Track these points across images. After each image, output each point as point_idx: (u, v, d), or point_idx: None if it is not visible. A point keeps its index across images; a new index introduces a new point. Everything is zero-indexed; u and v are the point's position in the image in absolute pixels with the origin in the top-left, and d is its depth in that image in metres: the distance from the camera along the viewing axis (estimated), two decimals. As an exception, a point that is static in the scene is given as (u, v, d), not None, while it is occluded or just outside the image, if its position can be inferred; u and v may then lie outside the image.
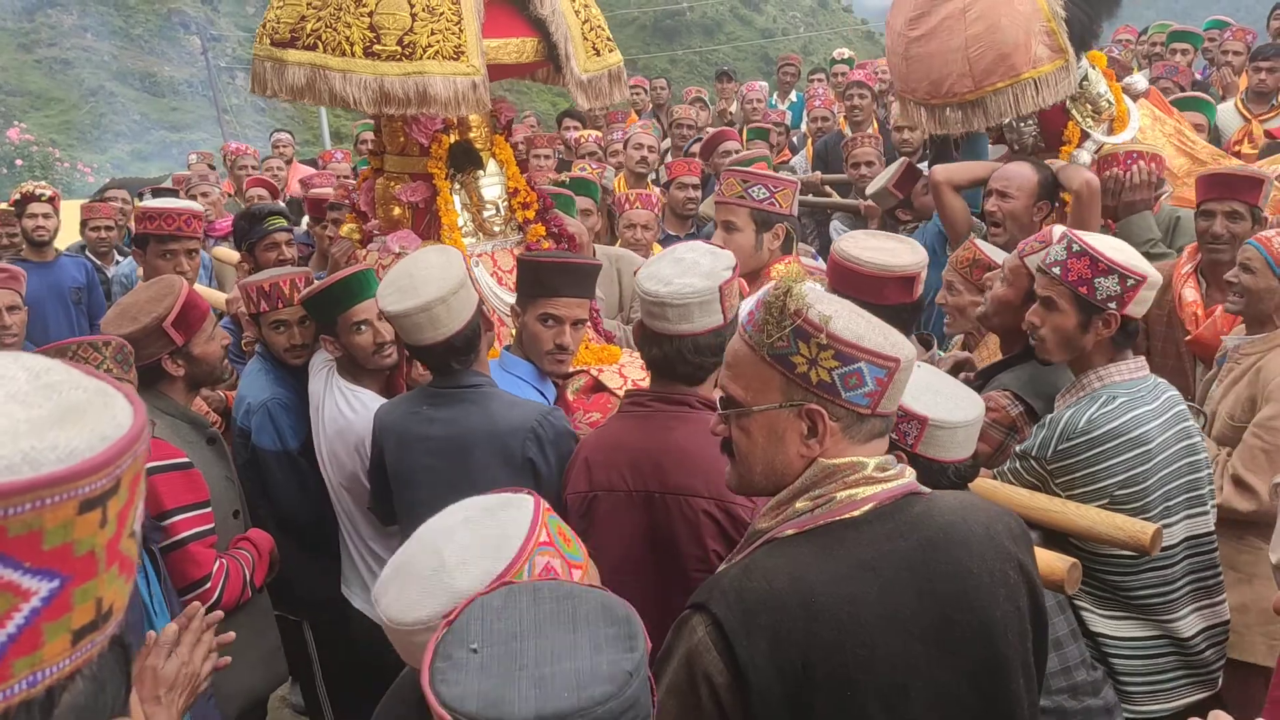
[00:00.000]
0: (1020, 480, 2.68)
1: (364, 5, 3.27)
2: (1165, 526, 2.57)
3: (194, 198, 6.19)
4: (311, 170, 7.98)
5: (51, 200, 6.26)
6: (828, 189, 6.73)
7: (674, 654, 1.55)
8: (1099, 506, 2.56)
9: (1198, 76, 7.99)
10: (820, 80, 10.52)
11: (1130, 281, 2.53)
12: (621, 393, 3.04)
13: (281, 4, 3.41)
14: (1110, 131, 4.20)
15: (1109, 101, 4.16)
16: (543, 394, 3.08)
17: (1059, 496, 2.63)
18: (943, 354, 3.45)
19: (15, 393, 0.73)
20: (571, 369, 3.21)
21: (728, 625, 1.49)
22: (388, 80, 3.25)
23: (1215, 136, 6.00)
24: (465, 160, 3.62)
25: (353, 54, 3.27)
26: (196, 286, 4.04)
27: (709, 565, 2.18)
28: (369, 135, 5.80)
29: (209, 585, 2.81)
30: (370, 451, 3.04)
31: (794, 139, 8.85)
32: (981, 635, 1.56)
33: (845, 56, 10.66)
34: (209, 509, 2.88)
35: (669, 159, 7.23)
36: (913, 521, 1.58)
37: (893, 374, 1.55)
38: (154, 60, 33.91)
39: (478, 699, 1.12)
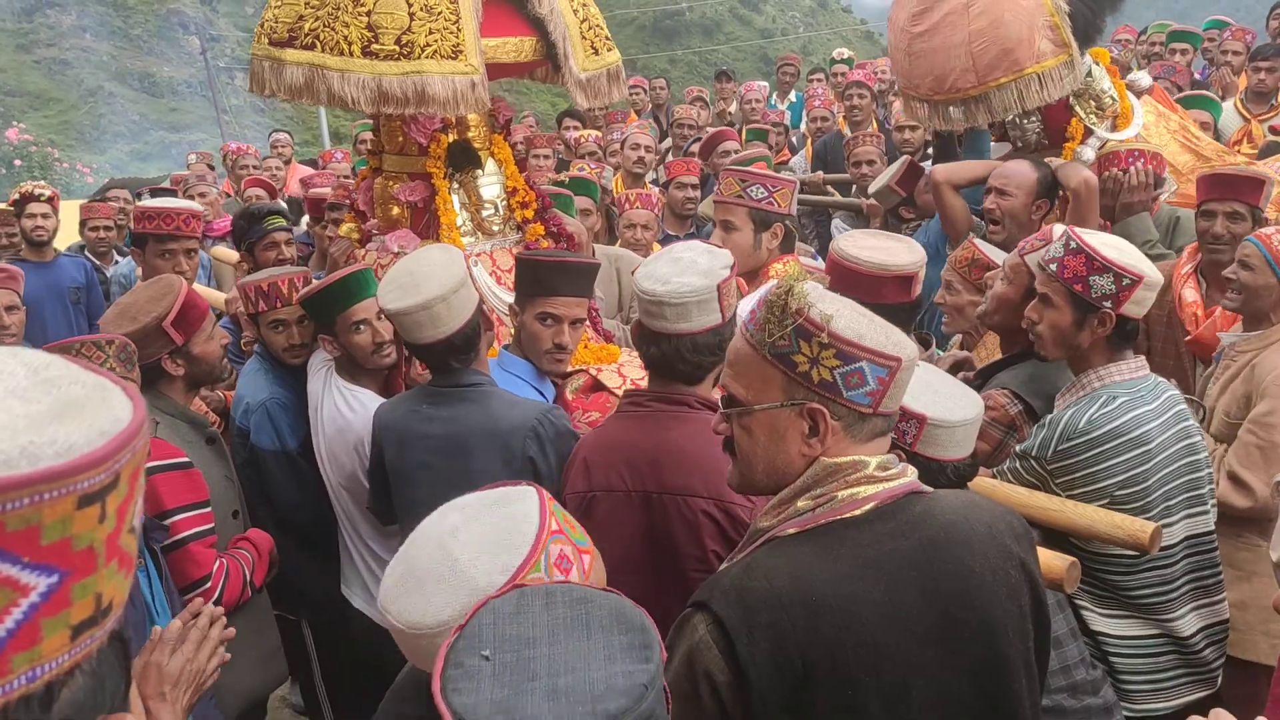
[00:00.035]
0: (1020, 480, 2.68)
1: (362, 5, 3.26)
2: (1165, 526, 2.57)
3: (191, 198, 6.18)
4: (310, 170, 7.98)
5: (50, 200, 6.25)
6: (830, 188, 6.73)
7: (675, 652, 1.55)
8: (1099, 506, 2.56)
9: (1197, 76, 7.99)
10: (820, 80, 10.52)
11: (1126, 281, 2.52)
12: (620, 392, 3.03)
13: (280, 3, 3.40)
14: (1114, 128, 4.19)
15: (1113, 98, 4.16)
16: (541, 393, 3.07)
17: (1059, 496, 2.63)
18: (941, 353, 3.45)
19: (14, 388, 0.73)
20: (570, 368, 3.21)
21: (729, 624, 1.49)
22: (386, 79, 3.25)
23: (1217, 136, 6.00)
24: (464, 159, 3.62)
25: (351, 53, 3.27)
26: (195, 286, 4.04)
27: (708, 566, 2.17)
28: (368, 135, 5.80)
29: (209, 585, 2.80)
30: (370, 451, 3.04)
31: (793, 139, 8.85)
32: (983, 635, 1.56)
33: (845, 57, 10.66)
34: (209, 509, 2.88)
35: (670, 159, 7.23)
36: (914, 520, 1.58)
37: (894, 373, 1.55)
38: (153, 60, 33.93)
39: (490, 709, 1.09)
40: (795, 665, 1.47)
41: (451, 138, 3.63)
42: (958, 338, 3.66)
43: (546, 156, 6.87)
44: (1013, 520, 1.69)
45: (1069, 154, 4.09)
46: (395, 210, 3.69)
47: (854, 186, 6.34)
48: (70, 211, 7.12)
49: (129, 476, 0.76)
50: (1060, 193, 3.88)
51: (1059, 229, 2.89)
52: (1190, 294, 3.67)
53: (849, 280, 2.87)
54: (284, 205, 5.78)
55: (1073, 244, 2.59)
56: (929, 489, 1.66)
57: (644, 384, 2.71)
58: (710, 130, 7.41)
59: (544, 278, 3.00)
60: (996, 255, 3.31)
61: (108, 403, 0.76)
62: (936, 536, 1.57)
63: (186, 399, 3.19)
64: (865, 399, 1.55)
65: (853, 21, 52.53)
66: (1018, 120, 4.19)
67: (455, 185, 3.66)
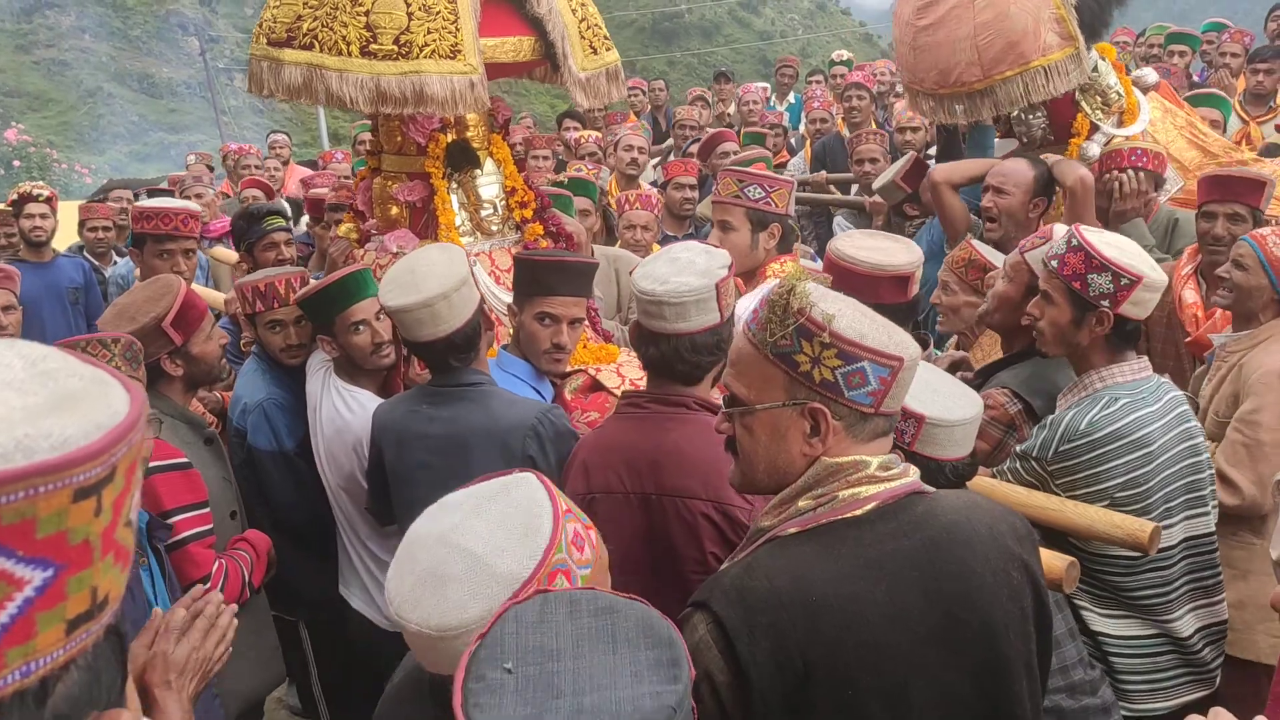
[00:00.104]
0: (1020, 480, 2.68)
1: (360, 4, 3.26)
2: (1165, 527, 2.57)
3: (188, 199, 6.18)
4: (309, 171, 7.98)
5: (49, 200, 6.25)
6: (832, 188, 6.72)
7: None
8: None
9: (1195, 78, 7.99)
10: (818, 82, 10.53)
11: (1124, 281, 2.52)
12: (619, 392, 3.03)
13: (278, 3, 3.40)
14: (1120, 124, 4.19)
15: (1119, 94, 4.15)
16: (540, 393, 3.07)
17: (1058, 496, 2.62)
18: (940, 353, 3.45)
19: (11, 380, 0.72)
20: (569, 368, 3.21)
21: (729, 623, 1.49)
22: (384, 79, 3.24)
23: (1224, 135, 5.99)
24: (463, 159, 3.62)
25: (349, 53, 3.26)
26: (194, 286, 4.04)
27: (707, 568, 2.17)
28: (367, 136, 5.80)
29: (208, 586, 2.80)
30: (369, 451, 3.04)
31: (792, 140, 8.86)
32: (984, 635, 1.56)
33: (844, 58, 10.67)
34: (208, 509, 2.87)
35: (671, 159, 7.24)
36: (916, 521, 1.58)
37: (896, 373, 1.55)
38: (152, 61, 33.95)
39: None
40: (796, 665, 1.47)
41: (450, 137, 3.63)
42: (955, 338, 3.66)
43: (545, 157, 6.87)
44: (1015, 521, 1.69)
45: (1074, 149, 4.08)
46: (394, 210, 3.69)
47: (856, 186, 6.33)
48: (69, 212, 7.12)
49: (125, 470, 0.75)
50: (1056, 190, 3.88)
51: (1061, 228, 2.89)
52: (1190, 295, 3.67)
53: (846, 280, 2.87)
54: (285, 205, 5.78)
55: (1074, 241, 2.59)
56: (931, 489, 1.65)
57: (643, 384, 2.70)
58: (710, 131, 7.41)
59: (542, 277, 3.00)
60: (994, 256, 3.31)
61: (105, 396, 0.75)
62: (938, 537, 1.57)
63: (185, 399, 3.19)
64: (867, 399, 1.55)
65: (851, 24, 52.63)
66: (1023, 115, 4.18)
67: (454, 185, 3.66)
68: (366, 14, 3.25)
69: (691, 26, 45.78)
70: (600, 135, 7.63)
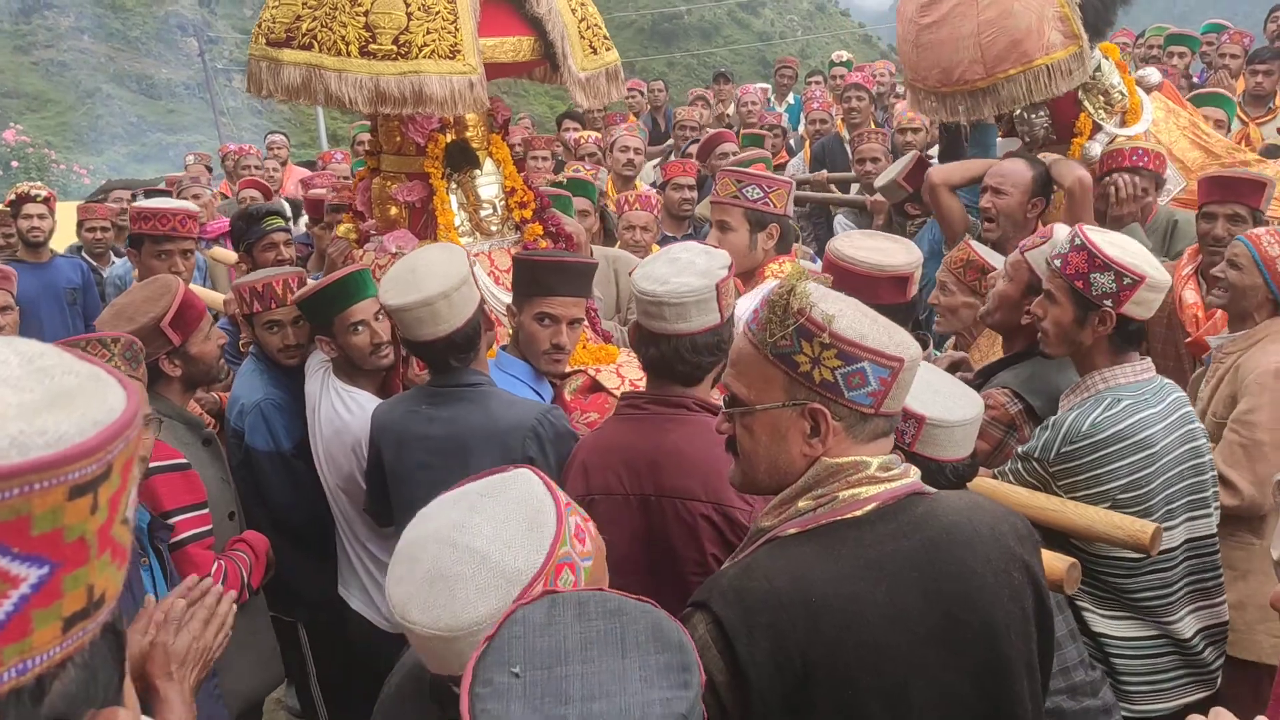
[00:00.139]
0: (1021, 481, 2.67)
1: (359, 4, 3.25)
2: (1166, 529, 2.56)
3: (186, 199, 6.17)
4: (307, 172, 7.98)
5: (47, 201, 6.25)
6: (832, 187, 6.72)
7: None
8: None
9: (1195, 80, 8.00)
10: (818, 83, 10.53)
11: (1127, 280, 2.52)
12: (619, 393, 3.03)
13: (277, 4, 3.39)
14: (1123, 124, 4.18)
15: (1122, 93, 4.14)
16: (539, 394, 3.07)
17: (1059, 497, 2.62)
18: (939, 354, 3.45)
19: (7, 377, 0.72)
20: (569, 369, 3.20)
21: (728, 623, 1.48)
22: (383, 79, 3.24)
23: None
24: (462, 159, 3.61)
25: (348, 53, 3.25)
26: (193, 287, 4.03)
27: (707, 569, 2.16)
28: (366, 137, 5.80)
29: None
30: (368, 452, 3.03)
31: (791, 141, 8.86)
32: (985, 636, 1.55)
33: (843, 59, 10.67)
34: (207, 510, 2.87)
35: (671, 159, 7.23)
36: (916, 521, 1.57)
37: (896, 374, 1.55)
38: (150, 62, 33.97)
39: None
40: (795, 665, 1.47)
41: (449, 138, 3.62)
42: (953, 338, 3.66)
43: (545, 158, 6.87)
44: (1016, 522, 1.69)
45: (1077, 149, 4.08)
46: (393, 210, 3.68)
47: (856, 186, 6.33)
48: (67, 213, 7.11)
49: (122, 467, 0.75)
50: (1055, 189, 3.88)
51: (1062, 227, 2.89)
52: (1191, 296, 3.67)
53: (844, 281, 2.86)
54: (284, 205, 5.78)
55: (1077, 240, 2.59)
56: (931, 490, 1.65)
57: (642, 385, 2.70)
58: (710, 131, 7.41)
59: (541, 277, 2.99)
60: (992, 257, 3.31)
61: (101, 393, 0.75)
62: (938, 537, 1.56)
63: (183, 400, 3.18)
64: (867, 399, 1.55)
65: (850, 25, 52.68)
66: (1025, 115, 4.18)
67: (453, 185, 3.65)
68: (365, 14, 3.24)
69: (691, 27, 45.82)
70: (600, 136, 7.63)
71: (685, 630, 1.18)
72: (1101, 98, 4.10)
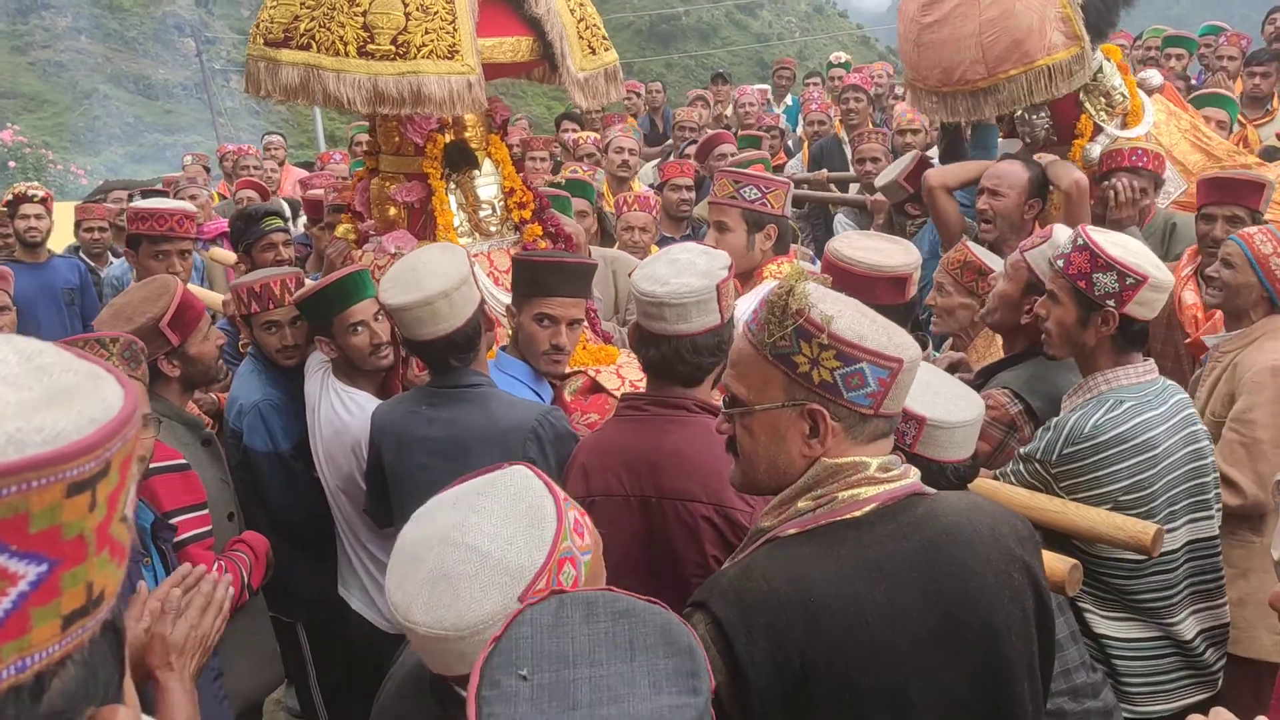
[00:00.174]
0: (1023, 482, 2.67)
1: (358, 5, 3.25)
2: (1168, 530, 2.56)
3: (183, 200, 6.17)
4: (305, 172, 7.98)
5: (44, 201, 6.24)
6: (832, 187, 6.72)
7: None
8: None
9: (1193, 81, 8.00)
10: (816, 84, 10.53)
11: (1129, 280, 2.51)
12: (619, 393, 3.02)
13: (275, 4, 3.39)
14: (1124, 126, 4.18)
15: (1123, 95, 4.14)
16: (539, 395, 3.06)
17: (1060, 498, 2.62)
18: (937, 355, 3.45)
19: (5, 375, 0.72)
20: (568, 370, 3.20)
21: (727, 624, 1.48)
22: (382, 80, 3.23)
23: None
24: (461, 160, 3.61)
25: (347, 54, 3.25)
26: (192, 287, 4.03)
27: (708, 571, 2.15)
28: (364, 137, 5.80)
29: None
30: (368, 453, 3.03)
31: (789, 142, 8.86)
32: (984, 637, 1.55)
33: (841, 61, 10.69)
34: (207, 511, 2.86)
35: (670, 160, 7.23)
36: (916, 522, 1.57)
37: (895, 374, 1.54)
38: (148, 63, 33.96)
39: None
40: (794, 665, 1.47)
41: (448, 138, 3.62)
42: (950, 339, 3.66)
43: (543, 159, 6.87)
44: (1016, 523, 1.68)
45: (1078, 150, 4.08)
46: (392, 211, 3.68)
47: (857, 185, 6.32)
48: (64, 213, 7.11)
49: (120, 465, 0.74)
50: (1051, 191, 3.88)
51: (1062, 228, 2.89)
52: (1190, 296, 3.67)
53: (843, 281, 2.86)
54: (283, 205, 5.77)
55: (1080, 240, 2.59)
56: (931, 490, 1.65)
57: (643, 386, 2.70)
58: (708, 132, 7.41)
59: (540, 278, 2.99)
60: (990, 259, 3.31)
61: (99, 391, 0.74)
62: (938, 538, 1.56)
63: (182, 400, 3.17)
64: (866, 400, 1.54)
65: (848, 26, 52.73)
66: (1026, 115, 4.18)
67: (452, 186, 3.65)
68: (364, 14, 3.24)
69: (689, 29, 45.84)
70: (599, 137, 7.63)
71: (694, 633, 1.16)
72: (1103, 99, 4.10)
